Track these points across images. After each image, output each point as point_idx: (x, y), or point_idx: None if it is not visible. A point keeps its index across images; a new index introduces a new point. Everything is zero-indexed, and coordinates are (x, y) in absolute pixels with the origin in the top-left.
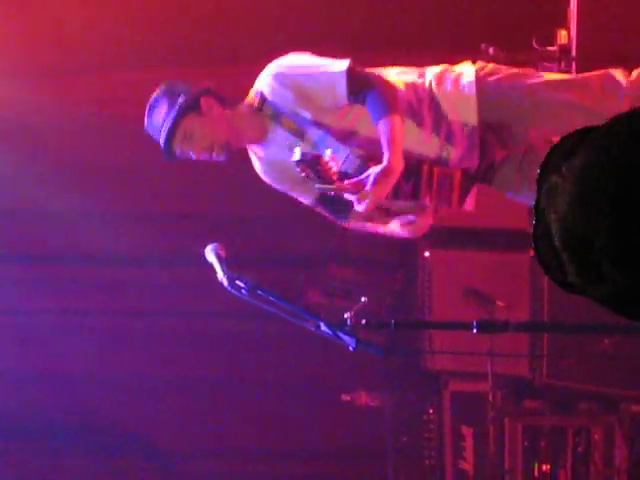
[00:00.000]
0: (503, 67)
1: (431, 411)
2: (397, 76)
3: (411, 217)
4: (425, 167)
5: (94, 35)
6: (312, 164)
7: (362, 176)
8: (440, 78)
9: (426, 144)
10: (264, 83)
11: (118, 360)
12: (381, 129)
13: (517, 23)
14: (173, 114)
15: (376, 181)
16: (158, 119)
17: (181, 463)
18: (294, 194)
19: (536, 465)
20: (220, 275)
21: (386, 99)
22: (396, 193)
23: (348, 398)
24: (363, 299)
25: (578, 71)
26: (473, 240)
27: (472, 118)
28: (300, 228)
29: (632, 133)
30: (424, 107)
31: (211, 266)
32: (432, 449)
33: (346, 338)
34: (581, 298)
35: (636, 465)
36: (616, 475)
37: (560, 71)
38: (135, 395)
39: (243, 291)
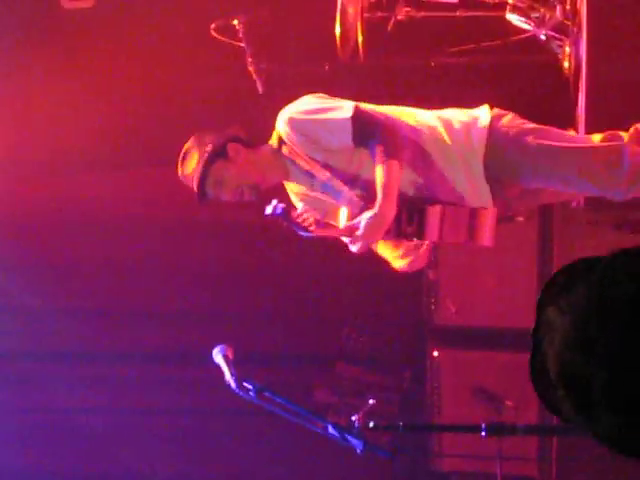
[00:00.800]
0: (519, 120)
1: None
2: (407, 116)
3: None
4: (429, 208)
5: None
6: (284, 217)
7: (355, 220)
8: (451, 127)
9: (434, 189)
10: (279, 127)
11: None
12: (377, 174)
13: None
14: (202, 163)
15: (366, 226)
16: (189, 169)
17: None
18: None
19: None
20: (228, 377)
21: (386, 145)
22: (398, 234)
23: None
24: (371, 401)
25: None
26: (482, 339)
27: (478, 167)
28: (308, 326)
29: (631, 283)
30: (434, 156)
31: (218, 367)
32: None
33: (354, 441)
34: None
35: None
36: None
37: None
38: None
39: (250, 393)
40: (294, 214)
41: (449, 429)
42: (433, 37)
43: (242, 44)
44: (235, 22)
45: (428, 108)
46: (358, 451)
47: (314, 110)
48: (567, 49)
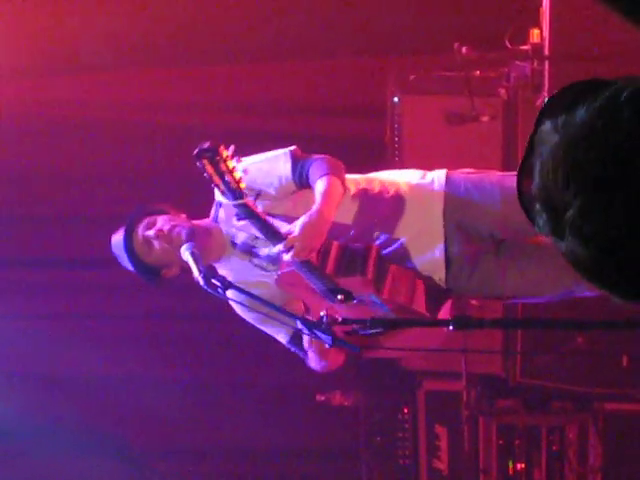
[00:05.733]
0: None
1: (405, 410)
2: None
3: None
4: (373, 251)
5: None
6: (210, 156)
7: (290, 226)
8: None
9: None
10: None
11: (99, 362)
12: (317, 186)
13: (490, 22)
14: (129, 219)
15: (304, 226)
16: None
17: (156, 463)
18: (267, 329)
19: (511, 464)
20: (196, 274)
21: (328, 165)
22: (339, 269)
23: (323, 398)
24: (339, 297)
25: (550, 70)
26: None
27: (437, 214)
28: None
29: (629, 116)
30: (385, 200)
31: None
32: (406, 448)
33: (322, 336)
34: None
35: (610, 463)
36: (590, 473)
37: (532, 70)
38: (111, 396)
39: (219, 290)
40: (221, 154)
41: (417, 324)
42: None
43: None
44: None
45: None
46: (327, 346)
47: (248, 159)
48: None
